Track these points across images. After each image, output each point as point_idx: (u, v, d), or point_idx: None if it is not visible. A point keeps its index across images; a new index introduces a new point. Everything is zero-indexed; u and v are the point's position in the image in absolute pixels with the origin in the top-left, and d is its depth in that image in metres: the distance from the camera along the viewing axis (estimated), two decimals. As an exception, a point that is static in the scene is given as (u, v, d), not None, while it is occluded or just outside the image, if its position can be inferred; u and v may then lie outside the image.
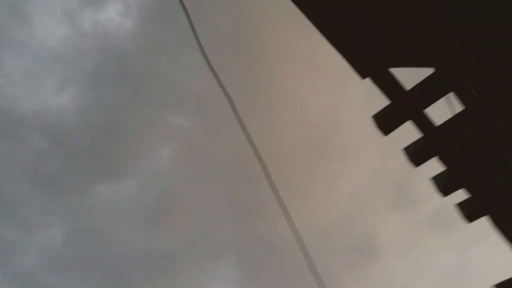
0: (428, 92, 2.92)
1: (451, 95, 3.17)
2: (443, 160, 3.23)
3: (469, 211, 3.26)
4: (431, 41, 2.71)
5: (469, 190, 3.33)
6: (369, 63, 2.67)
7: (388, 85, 2.84)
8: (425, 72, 3.01)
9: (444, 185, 3.18)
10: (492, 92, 2.94)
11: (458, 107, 3.25)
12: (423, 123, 2.99)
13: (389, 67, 2.75)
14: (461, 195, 3.35)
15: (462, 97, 3.42)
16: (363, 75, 2.75)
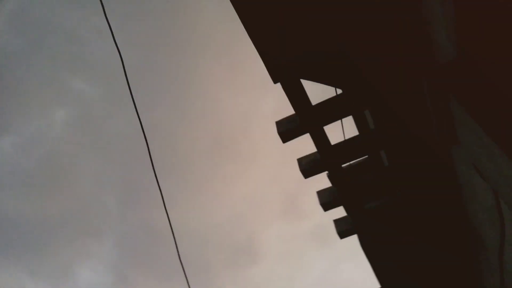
0: (331, 111, 3.07)
1: (351, 118, 3.39)
2: (330, 177, 3.43)
3: (342, 228, 3.49)
4: (342, 64, 2.86)
5: (346, 209, 3.58)
6: (283, 67, 2.72)
7: (296, 95, 2.92)
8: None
9: (326, 200, 3.37)
10: (385, 125, 3.19)
11: (355, 131, 3.48)
12: (320, 139, 3.14)
13: (301, 78, 2.83)
14: (341, 212, 3.59)
15: (359, 123, 3.66)
16: (275, 79, 2.79)
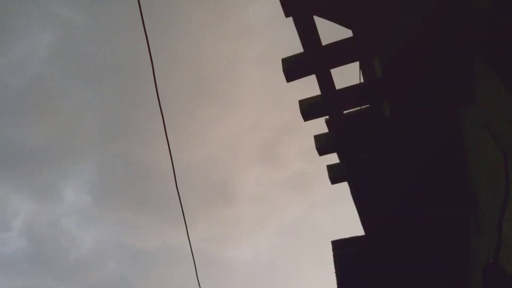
0: (340, 54, 2.91)
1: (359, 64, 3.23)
2: (330, 122, 3.35)
3: (335, 174, 3.48)
4: (355, 5, 2.65)
5: (341, 156, 3.55)
6: (297, 1, 2.52)
7: (307, 32, 2.74)
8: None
9: (323, 144, 3.31)
10: (393, 74, 3.06)
11: (360, 78, 3.35)
12: (325, 82, 3.01)
13: (314, 14, 2.64)
14: (333, 159, 3.56)
15: (366, 70, 3.52)
16: (287, 12, 2.60)
